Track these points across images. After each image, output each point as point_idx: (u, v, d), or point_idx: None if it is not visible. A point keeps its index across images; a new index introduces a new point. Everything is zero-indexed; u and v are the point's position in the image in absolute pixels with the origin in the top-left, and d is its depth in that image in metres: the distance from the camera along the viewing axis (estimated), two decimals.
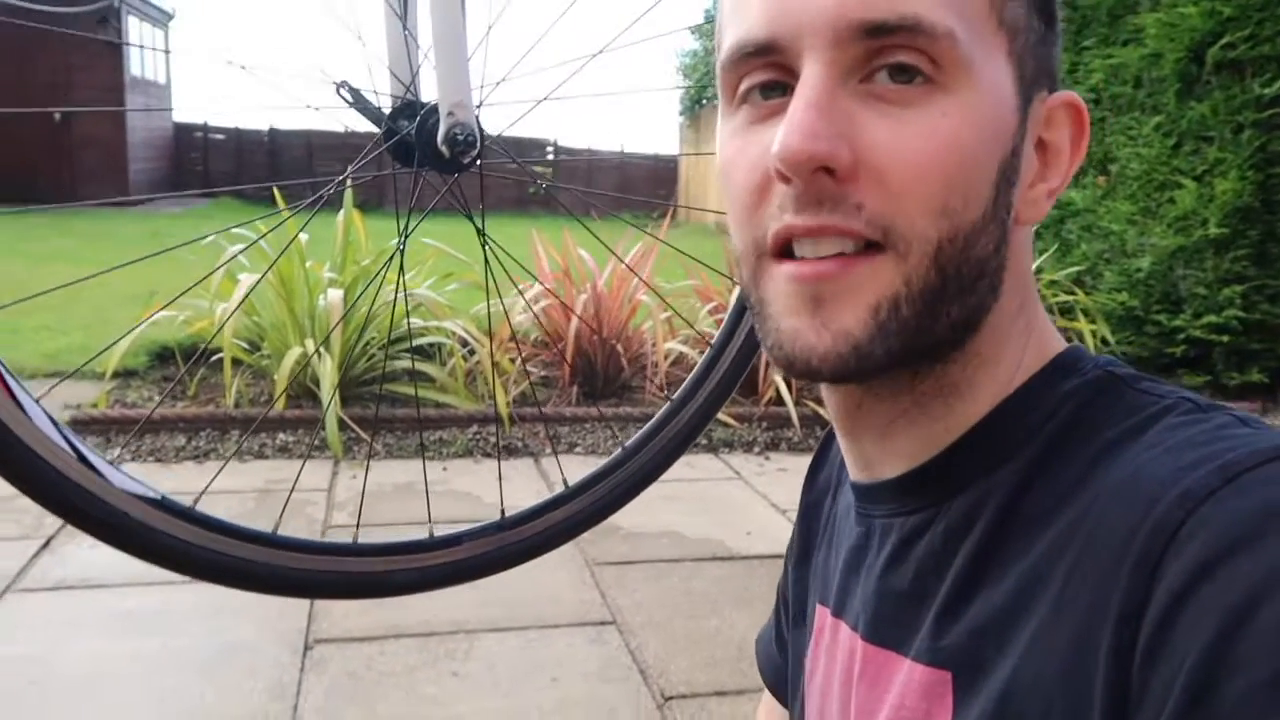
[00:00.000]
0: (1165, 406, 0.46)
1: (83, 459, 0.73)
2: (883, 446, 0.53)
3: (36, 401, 0.71)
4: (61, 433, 0.73)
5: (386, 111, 0.82)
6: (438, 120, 0.76)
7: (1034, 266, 0.56)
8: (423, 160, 0.77)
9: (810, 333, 0.46)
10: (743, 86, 0.48)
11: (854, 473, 0.56)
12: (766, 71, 0.47)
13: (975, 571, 0.47)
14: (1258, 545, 0.37)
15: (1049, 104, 0.49)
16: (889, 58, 0.44)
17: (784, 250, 0.47)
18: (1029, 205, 0.49)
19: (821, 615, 0.61)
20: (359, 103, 0.82)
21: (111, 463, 0.75)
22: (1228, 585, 0.37)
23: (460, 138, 0.75)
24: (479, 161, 0.78)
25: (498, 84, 0.85)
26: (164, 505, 0.77)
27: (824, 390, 0.54)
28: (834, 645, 0.58)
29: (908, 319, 0.45)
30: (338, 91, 0.82)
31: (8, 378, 0.69)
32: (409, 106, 0.80)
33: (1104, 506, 0.43)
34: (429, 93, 0.83)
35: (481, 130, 0.77)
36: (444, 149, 0.75)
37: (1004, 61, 0.46)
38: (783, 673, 0.71)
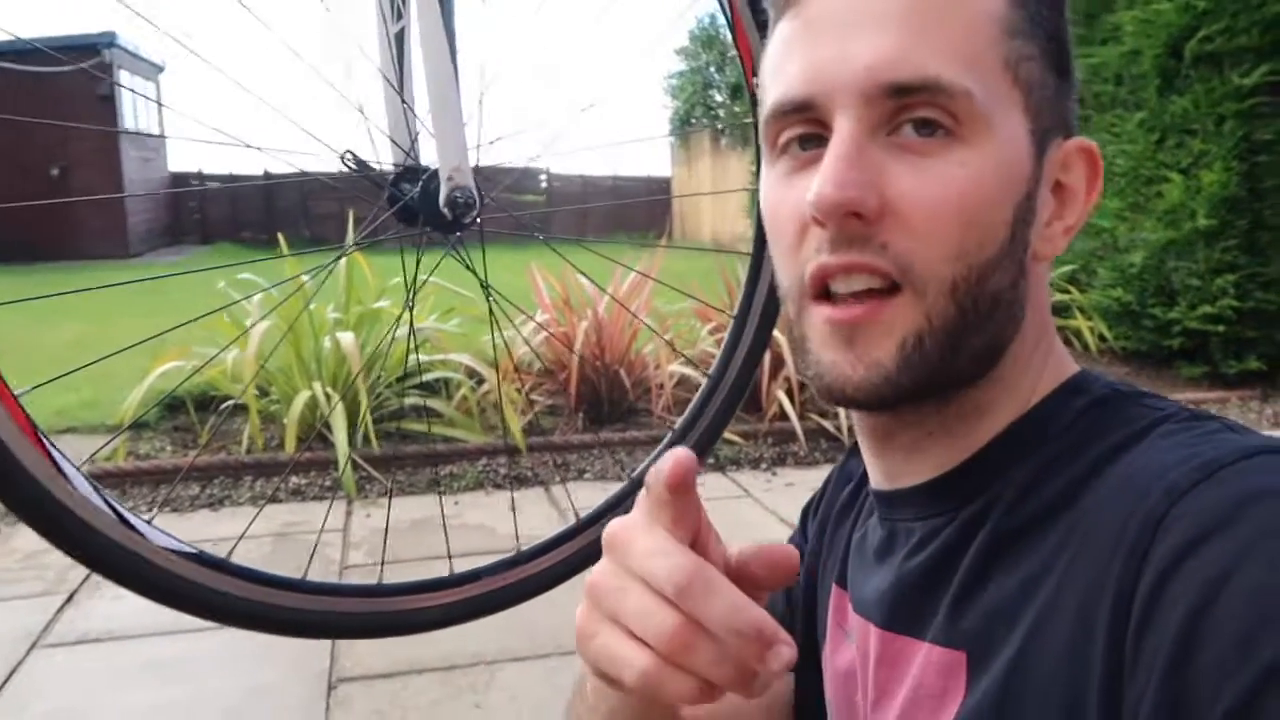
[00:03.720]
0: (1163, 416, 0.51)
1: (122, 519, 0.78)
2: (908, 461, 0.58)
3: (77, 468, 0.76)
4: (100, 495, 0.77)
5: (389, 177, 0.87)
6: (438, 184, 0.81)
7: None
8: (426, 222, 0.83)
9: (846, 365, 0.52)
10: (782, 139, 0.54)
11: (876, 482, 0.61)
12: (803, 126, 0.53)
13: (988, 561, 0.52)
14: (1232, 527, 0.42)
15: (1064, 149, 0.55)
16: (913, 113, 0.50)
17: (822, 291, 0.52)
18: (1046, 242, 0.54)
19: (840, 607, 0.66)
20: (363, 170, 0.88)
21: (148, 521, 0.80)
22: (1205, 562, 0.41)
23: (460, 200, 0.80)
24: (479, 219, 0.83)
25: (493, 142, 0.90)
26: (200, 559, 0.82)
27: (854, 416, 0.60)
28: (845, 629, 0.64)
29: (930, 351, 0.51)
30: (342, 160, 0.87)
31: (48, 444, 0.74)
32: (410, 172, 0.86)
33: (1102, 503, 0.48)
34: (428, 156, 0.88)
35: (480, 191, 0.82)
36: (445, 211, 0.81)
37: (1020, 115, 0.52)
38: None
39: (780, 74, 0.53)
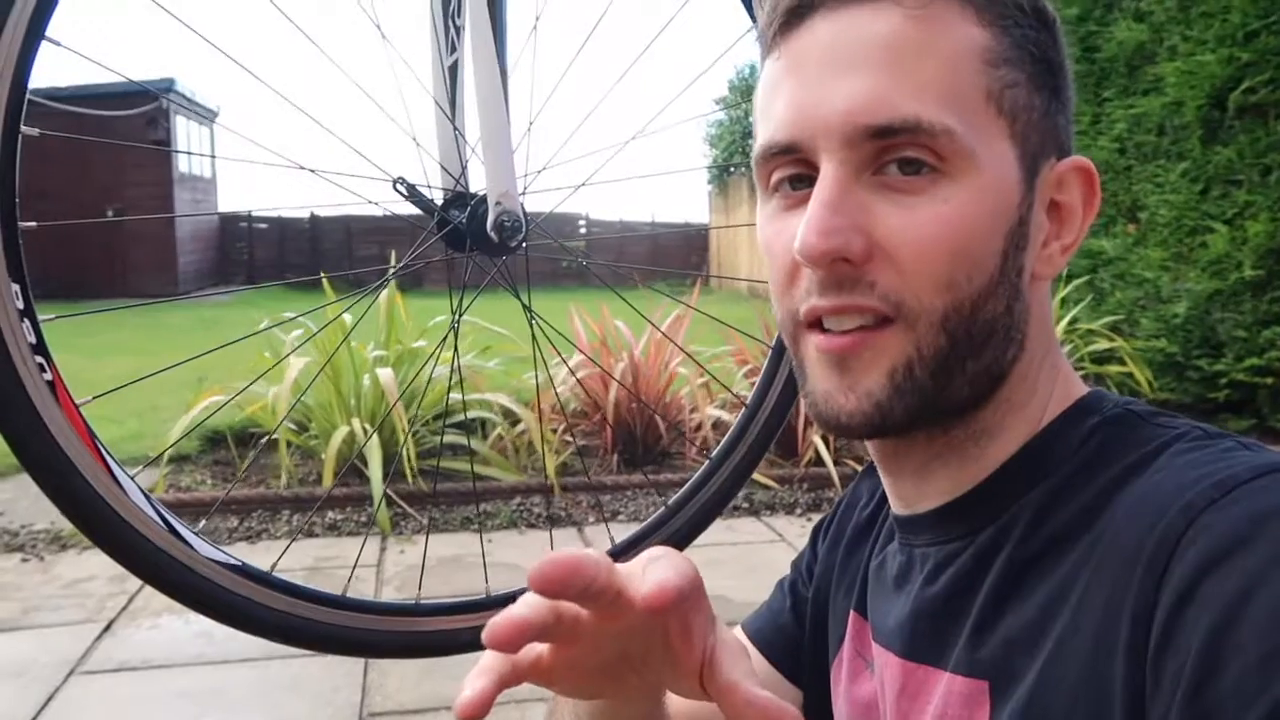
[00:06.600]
0: (1176, 435, 0.51)
1: (172, 530, 0.80)
2: (920, 485, 0.58)
3: (132, 478, 0.78)
4: (153, 505, 0.79)
5: (439, 203, 0.90)
6: (486, 209, 0.83)
7: (1070, 316, 0.61)
8: (474, 246, 0.85)
9: (839, 395, 0.53)
10: (774, 179, 0.55)
11: (895, 507, 0.61)
12: (792, 167, 0.54)
13: (1005, 588, 0.52)
14: (1250, 545, 0.41)
15: (1059, 169, 0.54)
16: (897, 153, 0.50)
17: (816, 322, 0.53)
18: (1044, 263, 0.55)
19: (860, 635, 0.66)
20: (414, 196, 0.90)
21: (196, 532, 0.82)
22: (1224, 581, 0.41)
23: (508, 224, 0.82)
24: (525, 244, 0.85)
25: (539, 172, 0.93)
26: (244, 571, 0.83)
27: (866, 441, 0.60)
28: (867, 659, 0.64)
29: (922, 380, 0.51)
30: (394, 186, 0.90)
31: (106, 455, 0.76)
32: (459, 197, 0.88)
33: (1119, 523, 0.47)
34: (476, 183, 0.91)
35: (526, 215, 0.84)
36: (493, 235, 0.83)
37: (1006, 143, 0.52)
38: (784, 643, 0.75)
39: (767, 115, 0.54)
